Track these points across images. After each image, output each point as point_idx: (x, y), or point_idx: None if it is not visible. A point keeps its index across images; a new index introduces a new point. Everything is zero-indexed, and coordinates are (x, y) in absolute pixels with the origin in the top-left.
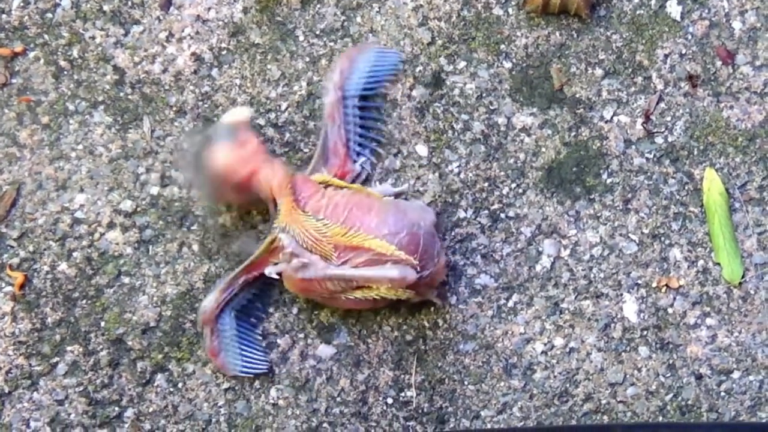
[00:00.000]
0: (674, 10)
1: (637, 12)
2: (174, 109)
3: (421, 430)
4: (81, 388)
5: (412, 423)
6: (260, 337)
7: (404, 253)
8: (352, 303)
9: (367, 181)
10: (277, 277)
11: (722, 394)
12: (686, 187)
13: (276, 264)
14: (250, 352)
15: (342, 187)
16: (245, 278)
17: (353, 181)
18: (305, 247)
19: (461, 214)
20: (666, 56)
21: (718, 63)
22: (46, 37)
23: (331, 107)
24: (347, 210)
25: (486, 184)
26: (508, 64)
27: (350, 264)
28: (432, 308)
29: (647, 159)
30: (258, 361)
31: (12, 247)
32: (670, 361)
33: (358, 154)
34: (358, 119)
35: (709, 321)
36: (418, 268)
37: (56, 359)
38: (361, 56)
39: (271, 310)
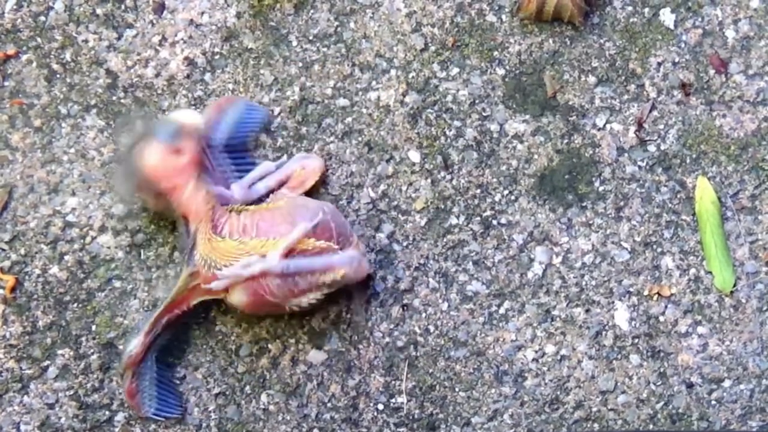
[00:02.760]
0: (668, 18)
1: (631, 20)
2: (167, 113)
3: None
4: (72, 392)
5: (403, 429)
6: (177, 381)
7: (323, 240)
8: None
9: None
10: (221, 289)
11: (713, 402)
12: (678, 196)
13: (223, 269)
14: (166, 395)
15: (241, 211)
16: (167, 318)
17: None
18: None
19: (453, 220)
20: (659, 64)
21: (711, 71)
22: (38, 40)
23: (199, 155)
24: (255, 227)
25: (478, 191)
26: (501, 71)
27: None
28: (423, 314)
29: (640, 167)
30: (172, 405)
31: (3, 250)
32: (661, 370)
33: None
34: (228, 163)
35: (700, 329)
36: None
37: (47, 363)
38: (230, 108)
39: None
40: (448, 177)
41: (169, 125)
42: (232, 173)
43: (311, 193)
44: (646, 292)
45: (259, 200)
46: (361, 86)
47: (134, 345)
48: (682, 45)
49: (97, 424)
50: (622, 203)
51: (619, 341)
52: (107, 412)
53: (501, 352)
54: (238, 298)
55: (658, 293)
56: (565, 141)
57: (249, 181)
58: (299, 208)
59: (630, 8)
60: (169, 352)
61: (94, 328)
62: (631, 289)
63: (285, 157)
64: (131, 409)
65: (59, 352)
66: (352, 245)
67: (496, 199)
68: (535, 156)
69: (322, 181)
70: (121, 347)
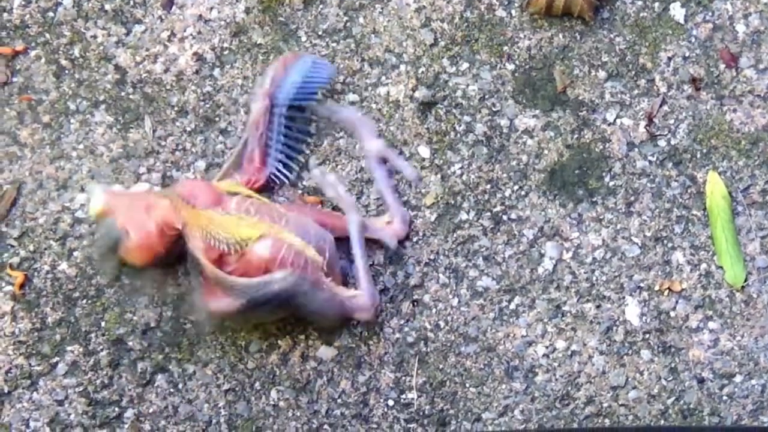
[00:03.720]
0: (678, 12)
1: (641, 14)
2: (175, 109)
3: None
4: (81, 389)
5: (413, 425)
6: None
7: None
8: None
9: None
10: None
11: (724, 397)
12: (689, 191)
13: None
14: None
15: (250, 197)
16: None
17: (261, 191)
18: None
19: (463, 216)
20: (669, 59)
21: (722, 66)
22: (47, 36)
23: (258, 114)
24: (258, 215)
25: (488, 186)
26: (510, 66)
27: None
28: (433, 310)
29: (650, 162)
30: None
31: (12, 246)
32: (672, 365)
33: (282, 163)
34: (283, 128)
35: (711, 324)
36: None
37: (56, 359)
38: (296, 65)
39: None
40: (459, 172)
41: (104, 227)
42: (280, 141)
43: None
44: (656, 288)
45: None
46: (370, 81)
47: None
48: (693, 39)
49: (107, 420)
50: (632, 198)
51: (629, 336)
52: (117, 409)
53: (511, 347)
54: (261, 250)
55: (668, 288)
56: (576, 136)
57: None
58: (306, 225)
59: (640, 3)
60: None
61: (103, 324)
62: (641, 285)
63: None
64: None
65: (68, 348)
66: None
67: (507, 194)
68: (545, 151)
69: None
70: (130, 344)
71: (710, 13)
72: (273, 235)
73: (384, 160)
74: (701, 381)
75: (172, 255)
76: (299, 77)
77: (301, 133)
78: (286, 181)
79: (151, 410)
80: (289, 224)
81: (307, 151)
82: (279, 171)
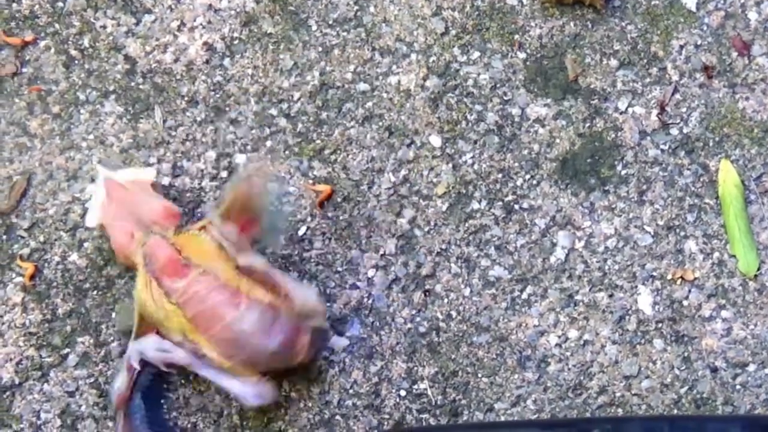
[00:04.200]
0: (689, 0)
1: (652, 2)
2: (186, 99)
3: (435, 423)
4: (92, 380)
5: (426, 415)
6: (167, 418)
7: (246, 365)
8: None
9: None
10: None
11: (737, 387)
12: (701, 179)
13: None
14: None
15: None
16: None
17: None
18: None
19: (475, 205)
20: (681, 47)
21: (734, 54)
22: (56, 26)
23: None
24: (199, 303)
25: (500, 176)
26: (522, 55)
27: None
28: (445, 300)
29: (662, 150)
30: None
31: (22, 237)
32: (685, 354)
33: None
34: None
35: (724, 313)
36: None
37: (67, 350)
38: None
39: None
40: (470, 161)
41: None
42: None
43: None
44: (669, 276)
45: None
46: (381, 71)
47: (120, 382)
48: (705, 27)
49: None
50: (644, 187)
51: (642, 326)
52: None
53: (524, 337)
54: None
55: (681, 277)
56: (587, 125)
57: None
58: (251, 325)
59: None
60: (156, 392)
61: (114, 315)
62: (654, 274)
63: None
64: None
65: (79, 339)
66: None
67: (518, 183)
68: (557, 140)
69: (343, 166)
70: None
71: (722, 1)
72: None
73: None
74: (714, 370)
75: None
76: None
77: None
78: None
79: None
80: (225, 331)
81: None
82: None
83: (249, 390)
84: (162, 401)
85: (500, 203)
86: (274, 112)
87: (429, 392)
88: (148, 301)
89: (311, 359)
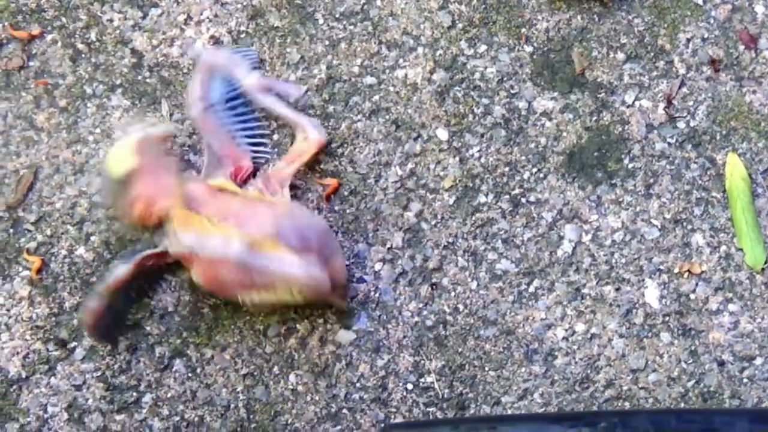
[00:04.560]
0: None
1: None
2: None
3: (442, 416)
4: (99, 373)
5: (433, 409)
6: (130, 320)
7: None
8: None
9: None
10: (176, 255)
11: (744, 380)
12: (708, 172)
13: (184, 238)
14: (118, 325)
15: (237, 194)
16: (153, 261)
17: (255, 173)
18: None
19: (482, 198)
20: (688, 40)
21: (741, 47)
22: (63, 19)
23: (201, 120)
24: (235, 214)
25: (507, 169)
26: (529, 48)
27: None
28: (452, 293)
29: (669, 144)
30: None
31: (29, 231)
32: (692, 348)
33: (253, 147)
34: (234, 120)
35: (731, 307)
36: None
37: (74, 344)
38: (217, 62)
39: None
40: (477, 155)
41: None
42: (236, 129)
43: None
44: (676, 270)
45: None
46: (388, 64)
47: (122, 272)
48: (712, 21)
49: (125, 405)
50: (651, 180)
51: (649, 319)
52: (135, 393)
53: (531, 330)
54: (195, 273)
55: (688, 271)
56: (594, 118)
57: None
58: (288, 218)
59: None
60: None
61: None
62: (661, 267)
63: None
64: (82, 325)
65: (86, 333)
66: (331, 267)
67: (525, 176)
68: (564, 133)
69: (350, 160)
70: (148, 328)
71: None
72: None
73: (267, 90)
74: (721, 364)
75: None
76: (225, 71)
77: (250, 114)
78: (269, 158)
79: (169, 395)
80: (269, 218)
81: (264, 129)
82: (256, 154)
83: (309, 268)
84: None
85: (507, 197)
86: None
87: (436, 386)
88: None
89: (343, 293)
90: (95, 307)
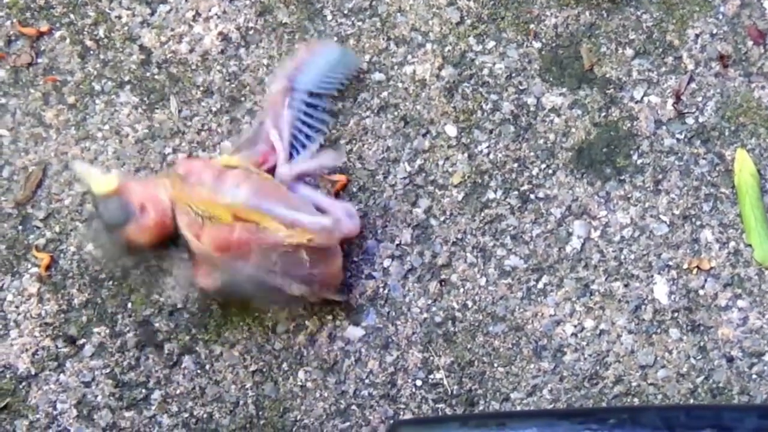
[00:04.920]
0: None
1: None
2: (201, 89)
3: (451, 413)
4: (108, 370)
5: (442, 405)
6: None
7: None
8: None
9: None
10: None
11: (754, 376)
12: (717, 168)
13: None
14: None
15: (249, 169)
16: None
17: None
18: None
19: (490, 195)
20: (697, 36)
21: (750, 43)
22: (71, 16)
23: (277, 96)
24: (252, 191)
25: (515, 165)
26: (537, 44)
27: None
28: (461, 290)
29: (678, 140)
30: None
31: (38, 227)
32: (701, 344)
33: (295, 148)
34: (302, 114)
35: (740, 303)
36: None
37: (83, 341)
38: (322, 53)
39: None
40: (485, 151)
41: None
42: (297, 126)
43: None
44: (685, 266)
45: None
46: (396, 60)
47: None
48: (720, 16)
49: (134, 402)
50: (660, 176)
51: (658, 315)
52: (144, 390)
53: (539, 327)
54: (204, 240)
55: (697, 267)
56: (603, 114)
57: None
58: (300, 206)
59: None
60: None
61: (130, 305)
62: (670, 263)
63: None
64: None
65: (95, 330)
66: (329, 267)
67: (534, 173)
68: (573, 129)
69: (358, 156)
70: (157, 325)
71: None
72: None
73: (305, 175)
74: (730, 360)
75: (176, 232)
76: (324, 65)
77: (318, 120)
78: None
79: (178, 391)
80: (282, 200)
81: (321, 137)
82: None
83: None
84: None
85: (516, 193)
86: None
87: (445, 382)
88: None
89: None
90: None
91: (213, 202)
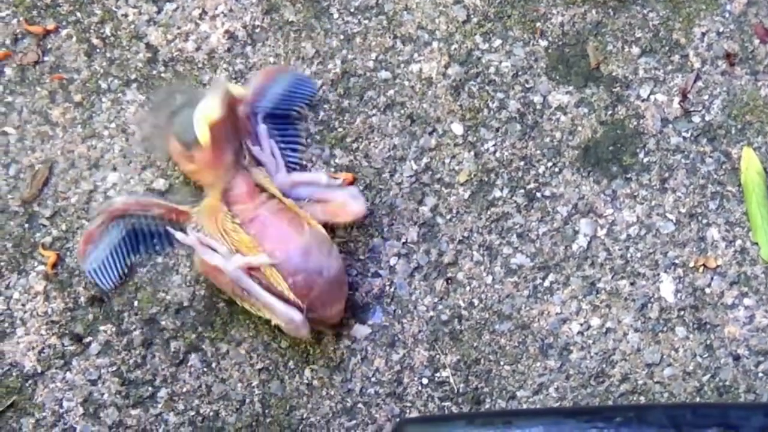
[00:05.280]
0: None
1: None
2: (207, 87)
3: (457, 411)
4: (114, 368)
5: (448, 403)
6: (126, 266)
7: (294, 294)
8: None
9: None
10: (183, 240)
11: (760, 374)
12: (723, 167)
13: (192, 230)
14: (111, 265)
15: (275, 197)
16: (161, 213)
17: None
18: (214, 237)
19: (497, 193)
20: (703, 34)
21: (756, 41)
22: (78, 14)
23: (244, 119)
24: (264, 225)
25: (522, 163)
26: (544, 43)
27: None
28: (467, 288)
29: (684, 138)
30: (109, 277)
31: (44, 226)
32: (708, 342)
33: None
34: (272, 133)
35: (746, 301)
36: (304, 310)
37: (89, 339)
38: (278, 78)
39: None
40: (492, 149)
41: (189, 127)
42: (275, 143)
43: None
44: (691, 264)
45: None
46: (403, 58)
47: (122, 201)
48: (727, 15)
49: (140, 400)
50: (666, 174)
51: (664, 313)
52: (150, 388)
53: (546, 325)
54: (198, 262)
55: (703, 265)
56: (609, 112)
57: (296, 179)
58: (305, 253)
59: None
60: (140, 239)
61: (136, 303)
62: (676, 261)
63: (339, 178)
64: (75, 253)
65: (101, 328)
66: (330, 311)
67: (540, 171)
68: (579, 128)
69: (365, 154)
70: (163, 323)
71: None
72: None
73: (299, 185)
74: (737, 358)
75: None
76: (280, 89)
77: (290, 136)
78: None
79: (184, 389)
80: (289, 245)
81: (301, 154)
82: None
83: (292, 314)
84: (134, 251)
85: (522, 191)
86: None
87: (451, 380)
88: (211, 224)
89: (340, 323)
90: (88, 229)
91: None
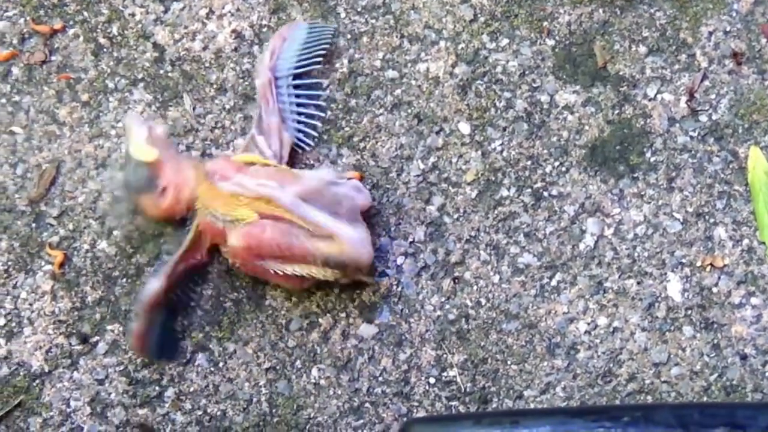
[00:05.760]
0: None
1: None
2: (214, 86)
3: (464, 410)
4: (121, 368)
5: (455, 403)
6: (181, 330)
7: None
8: (282, 278)
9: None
10: (229, 193)
11: (767, 374)
12: (731, 166)
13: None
14: (170, 342)
15: (267, 165)
16: (185, 265)
17: (291, 160)
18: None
19: (504, 192)
20: (710, 33)
21: (763, 40)
22: (85, 14)
23: (264, 89)
24: (272, 183)
25: (529, 163)
26: (551, 42)
27: None
28: (474, 287)
29: (691, 137)
30: (174, 351)
31: (52, 225)
32: (715, 341)
33: (299, 131)
34: (293, 98)
35: (754, 300)
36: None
37: (96, 338)
38: (293, 34)
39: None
40: (499, 149)
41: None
42: (293, 110)
43: (333, 161)
44: (698, 263)
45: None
46: (410, 58)
47: (154, 287)
48: (734, 14)
49: (147, 399)
50: (673, 174)
51: (672, 313)
52: (157, 388)
53: (553, 324)
54: (234, 240)
55: (711, 264)
56: (616, 112)
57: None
58: (319, 194)
59: None
60: (178, 303)
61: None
62: (683, 261)
63: (346, 173)
64: (132, 350)
65: (108, 327)
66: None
67: (547, 170)
68: (586, 127)
69: (372, 153)
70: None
71: None
72: (268, 213)
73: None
74: (744, 357)
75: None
76: (298, 45)
77: (313, 99)
78: (307, 149)
79: (191, 389)
80: (301, 188)
81: (321, 115)
82: (299, 140)
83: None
84: (179, 314)
85: (529, 190)
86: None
87: (458, 379)
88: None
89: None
90: (137, 329)
91: (237, 197)
